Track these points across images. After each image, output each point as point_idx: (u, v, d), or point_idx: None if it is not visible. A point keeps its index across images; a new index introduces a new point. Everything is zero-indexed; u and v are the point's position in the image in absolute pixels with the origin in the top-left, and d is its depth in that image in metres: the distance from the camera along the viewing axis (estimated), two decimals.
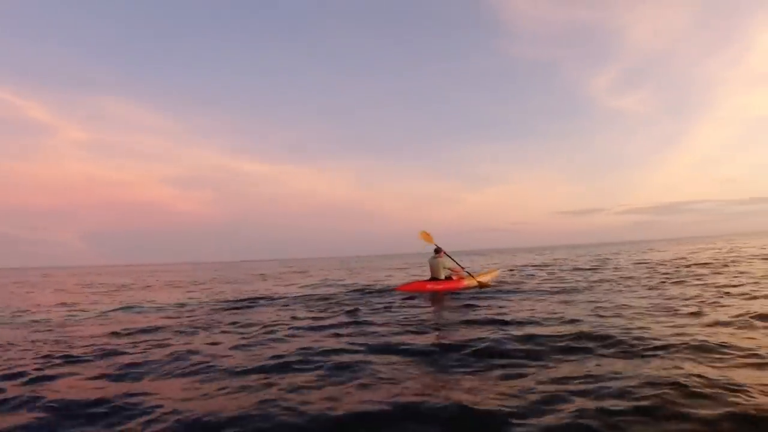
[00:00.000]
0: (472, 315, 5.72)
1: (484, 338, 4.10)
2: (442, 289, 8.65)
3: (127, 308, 8.59)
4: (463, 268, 9.34)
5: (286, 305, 7.90)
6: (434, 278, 9.02)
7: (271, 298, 9.26)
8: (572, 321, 4.78)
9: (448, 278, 9.00)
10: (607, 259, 19.30)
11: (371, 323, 5.45)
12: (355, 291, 9.99)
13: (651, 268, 12.48)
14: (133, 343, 4.79)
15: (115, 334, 5.45)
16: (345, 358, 3.64)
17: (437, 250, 8.99)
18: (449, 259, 9.16)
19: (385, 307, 6.83)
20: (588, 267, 14.45)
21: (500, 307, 6.27)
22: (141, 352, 4.27)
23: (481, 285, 9.01)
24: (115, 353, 4.25)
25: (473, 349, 3.74)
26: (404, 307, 6.88)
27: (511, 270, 14.95)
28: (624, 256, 21.24)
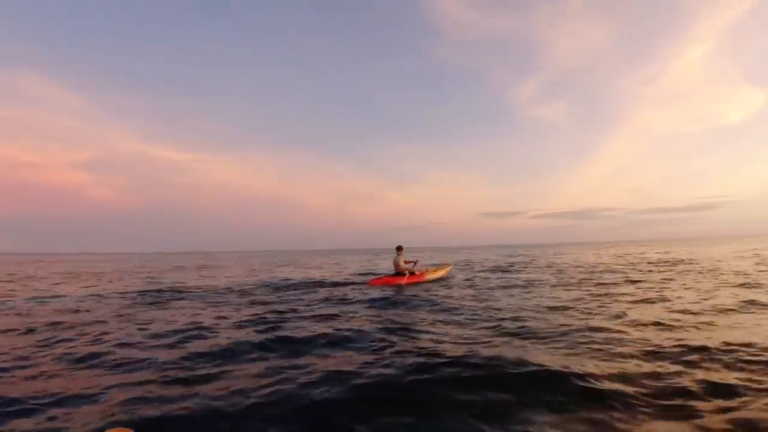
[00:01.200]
0: (378, 322, 5.27)
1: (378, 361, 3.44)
2: (405, 282, 10.04)
3: (32, 300, 7.79)
4: (411, 270, 10.57)
5: (202, 301, 7.66)
6: (398, 273, 10.38)
7: (187, 293, 8.88)
8: (470, 340, 4.11)
9: (411, 273, 10.40)
10: (521, 261, 20.96)
11: (284, 320, 5.45)
12: (269, 286, 10.15)
13: (560, 271, 13.38)
14: (32, 342, 4.41)
15: (10, 330, 4.94)
16: (261, 373, 3.19)
17: (399, 248, 10.48)
18: (403, 259, 10.58)
19: (306, 305, 6.86)
20: (501, 269, 15.61)
21: (409, 315, 5.70)
22: (48, 356, 3.96)
23: (433, 280, 10.85)
24: (12, 356, 3.90)
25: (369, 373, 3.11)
26: (312, 309, 6.57)
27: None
28: (537, 259, 23.13)
